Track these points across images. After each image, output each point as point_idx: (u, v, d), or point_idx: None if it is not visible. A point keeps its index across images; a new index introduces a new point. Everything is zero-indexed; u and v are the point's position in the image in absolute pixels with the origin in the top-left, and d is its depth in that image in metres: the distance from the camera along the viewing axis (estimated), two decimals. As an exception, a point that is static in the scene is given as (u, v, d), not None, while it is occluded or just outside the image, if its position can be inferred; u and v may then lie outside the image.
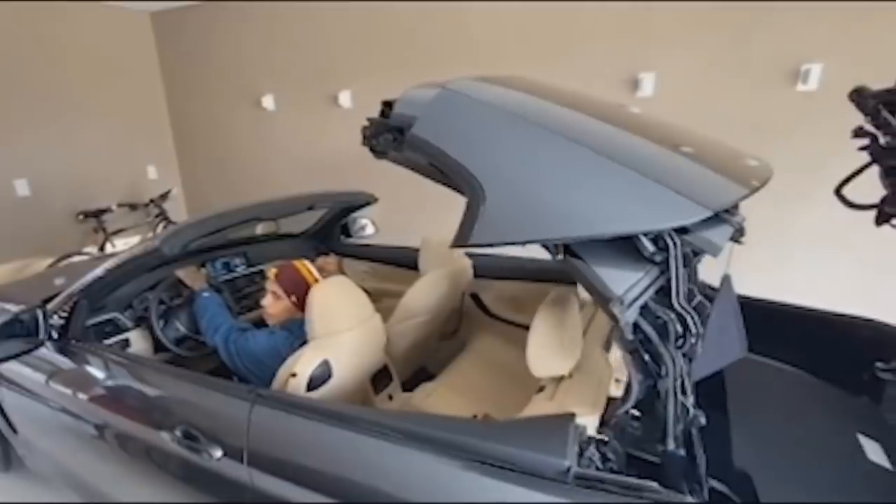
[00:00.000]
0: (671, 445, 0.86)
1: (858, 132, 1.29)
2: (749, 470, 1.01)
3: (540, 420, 0.91)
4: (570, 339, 1.08)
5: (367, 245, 2.60)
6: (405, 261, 2.25)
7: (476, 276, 2.13)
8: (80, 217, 3.87)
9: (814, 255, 2.35)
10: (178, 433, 1.15)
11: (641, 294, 0.82)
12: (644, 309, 0.83)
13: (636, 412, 1.01)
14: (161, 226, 4.19)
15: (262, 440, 1.07)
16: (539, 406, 1.03)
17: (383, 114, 1.06)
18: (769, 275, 2.26)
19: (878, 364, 1.32)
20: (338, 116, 3.60)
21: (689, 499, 0.73)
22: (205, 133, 4.42)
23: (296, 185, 3.71)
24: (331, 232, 2.56)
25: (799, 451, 1.07)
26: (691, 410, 0.87)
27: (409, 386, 1.79)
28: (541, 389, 1.12)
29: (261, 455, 1.06)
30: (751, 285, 1.50)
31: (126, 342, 1.76)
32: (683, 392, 0.87)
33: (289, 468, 1.04)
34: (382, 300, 2.18)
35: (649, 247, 0.79)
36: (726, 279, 1.07)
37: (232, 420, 1.11)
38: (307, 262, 1.63)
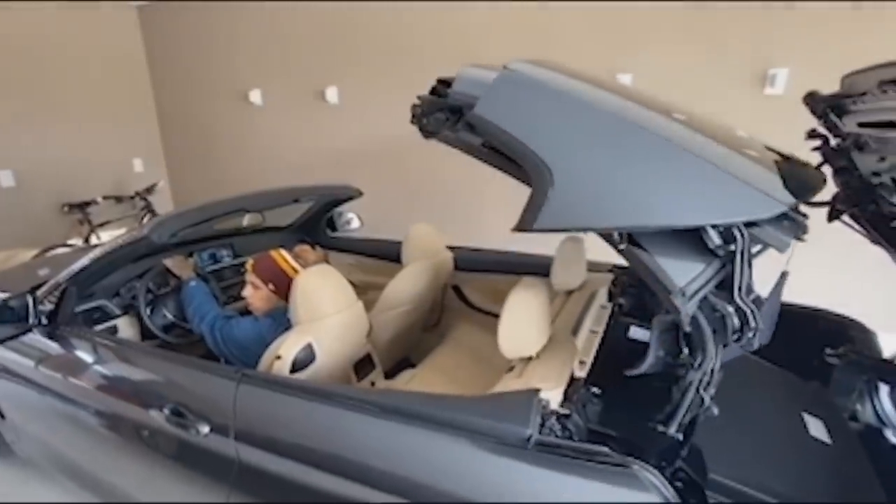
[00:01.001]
0: (673, 430, 0.89)
1: (811, 134, 1.38)
2: (700, 446, 1.10)
3: (507, 394, 0.99)
4: (539, 323, 1.16)
5: (353, 238, 2.66)
6: (390, 254, 2.32)
7: (457, 268, 2.21)
8: (66, 209, 3.86)
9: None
10: (166, 411, 1.20)
11: (703, 286, 0.81)
12: (702, 301, 0.83)
13: (596, 390, 1.10)
14: (146, 219, 4.19)
15: (248, 417, 1.13)
16: (507, 383, 1.10)
17: (435, 92, 1.05)
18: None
19: (827, 350, 1.42)
20: (324, 112, 3.64)
21: (637, 464, 0.81)
22: (191, 127, 4.42)
23: (282, 179, 3.75)
24: (316, 225, 2.61)
25: (748, 428, 1.16)
26: (706, 401, 0.88)
27: (391, 376, 1.86)
28: (510, 369, 1.19)
29: (246, 430, 1.12)
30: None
31: (114, 329, 1.81)
32: (707, 385, 0.88)
33: (273, 442, 1.10)
34: (368, 292, 2.24)
35: (716, 239, 0.78)
36: (784, 275, 1.09)
37: (219, 398, 1.17)
38: (283, 251, 1.67)
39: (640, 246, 0.83)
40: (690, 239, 0.80)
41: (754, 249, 0.84)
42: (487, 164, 1.00)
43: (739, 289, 0.81)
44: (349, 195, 2.34)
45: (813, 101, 1.26)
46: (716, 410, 0.89)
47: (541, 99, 0.91)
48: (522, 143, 0.85)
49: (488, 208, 3.25)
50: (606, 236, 0.85)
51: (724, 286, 0.84)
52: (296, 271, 1.59)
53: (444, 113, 0.99)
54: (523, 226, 0.83)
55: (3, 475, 2.04)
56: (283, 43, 3.67)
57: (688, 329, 0.82)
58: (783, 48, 2.29)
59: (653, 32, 2.53)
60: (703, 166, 0.79)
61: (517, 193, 2.96)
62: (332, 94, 3.53)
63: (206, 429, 1.15)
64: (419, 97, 1.07)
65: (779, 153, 1.08)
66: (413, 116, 1.06)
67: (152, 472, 1.38)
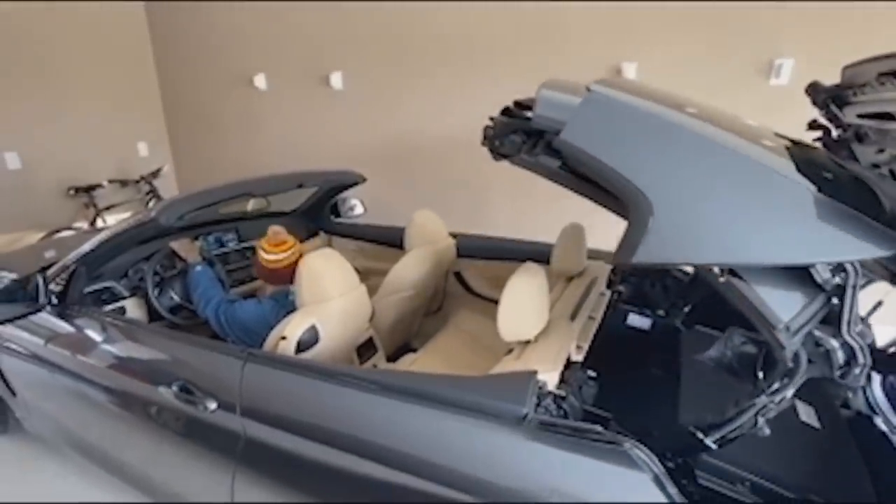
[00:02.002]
0: (711, 440, 0.86)
1: (812, 125, 1.39)
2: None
3: (505, 375, 1.02)
4: (537, 307, 1.19)
5: (356, 224, 2.69)
6: (392, 240, 2.34)
7: (459, 255, 2.23)
8: (71, 192, 3.89)
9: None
10: (175, 388, 1.24)
11: (808, 321, 0.77)
12: (805, 335, 0.78)
13: (592, 373, 1.13)
14: (152, 203, 4.22)
15: (254, 394, 1.17)
16: (506, 365, 1.13)
17: (509, 113, 1.01)
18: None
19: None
20: (329, 97, 3.64)
21: (628, 442, 0.84)
22: (196, 111, 4.42)
23: (286, 164, 3.77)
24: (320, 211, 2.64)
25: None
26: (759, 424, 0.85)
27: (393, 360, 1.89)
28: (509, 352, 1.22)
29: (252, 407, 1.16)
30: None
31: (122, 310, 1.85)
32: (769, 412, 0.86)
33: (278, 418, 1.14)
34: (370, 278, 2.27)
35: (825, 274, 0.74)
36: (878, 304, 1.06)
37: (226, 376, 1.20)
38: (263, 244, 1.67)
39: (741, 277, 0.78)
40: (795, 271, 0.77)
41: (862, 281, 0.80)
42: (568, 188, 0.94)
43: (849, 323, 0.76)
44: (353, 180, 2.36)
45: (814, 91, 1.26)
46: (767, 431, 0.84)
47: (633, 124, 0.86)
48: (618, 171, 0.81)
49: (492, 195, 3.26)
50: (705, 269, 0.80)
51: (830, 320, 0.78)
52: (275, 260, 1.63)
53: (520, 135, 0.95)
54: (622, 259, 0.78)
55: (15, 450, 2.10)
56: (288, 28, 3.65)
57: (790, 365, 0.77)
58: (789, 39, 2.27)
59: (658, 21, 2.51)
60: (816, 198, 0.74)
61: (519, 183, 2.99)
62: (336, 79, 3.53)
63: (213, 405, 1.19)
64: (492, 118, 1.01)
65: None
66: (485, 138, 1.01)
67: (161, 447, 1.43)
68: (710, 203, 0.77)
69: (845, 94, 1.16)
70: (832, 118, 1.28)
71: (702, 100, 1.15)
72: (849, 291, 0.75)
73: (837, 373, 0.78)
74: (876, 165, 1.14)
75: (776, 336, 0.74)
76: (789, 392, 0.80)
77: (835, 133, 1.32)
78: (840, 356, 0.77)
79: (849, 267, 0.74)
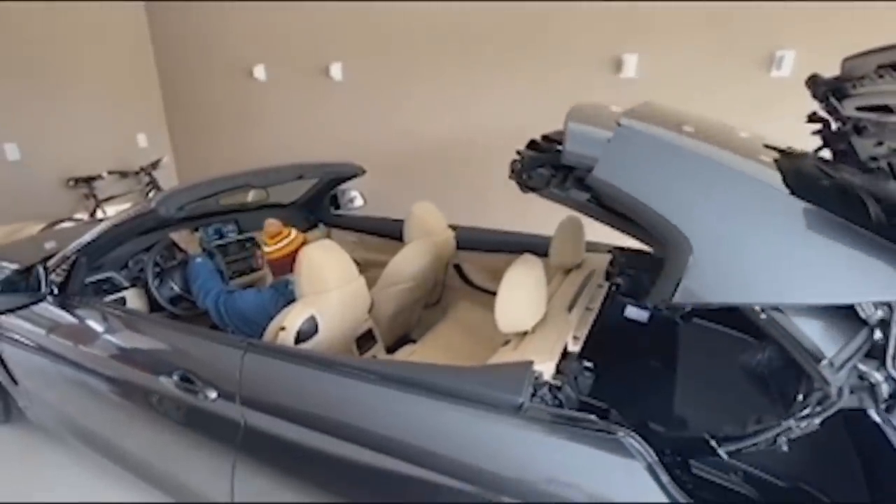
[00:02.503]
0: (723, 452, 0.85)
1: (812, 118, 1.39)
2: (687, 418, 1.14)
3: (502, 365, 1.03)
4: (535, 299, 1.19)
5: (356, 216, 2.69)
6: (392, 232, 2.35)
7: (458, 247, 2.24)
8: (71, 183, 3.89)
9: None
10: (175, 377, 1.26)
11: (853, 356, 0.75)
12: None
13: (589, 364, 1.14)
14: (151, 194, 4.22)
15: (253, 383, 1.18)
16: (503, 356, 1.14)
17: (534, 146, 1.00)
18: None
19: None
20: (329, 88, 3.63)
21: (622, 431, 0.85)
22: (195, 101, 4.41)
23: (285, 155, 3.75)
24: (320, 203, 2.64)
25: (733, 400, 1.20)
26: (779, 443, 0.84)
27: (392, 351, 1.91)
28: (506, 343, 1.23)
29: (252, 396, 1.17)
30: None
31: (123, 300, 1.86)
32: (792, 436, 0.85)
33: (277, 407, 1.15)
34: (370, 270, 2.28)
35: (870, 310, 0.73)
36: None
37: (226, 366, 1.21)
38: (262, 241, 1.72)
39: (781, 311, 0.77)
40: (838, 306, 0.76)
41: None
42: (598, 220, 0.91)
43: (893, 357, 0.74)
44: (353, 172, 2.36)
45: (814, 84, 1.26)
46: (785, 448, 0.83)
47: (667, 160, 0.84)
48: (654, 210, 0.79)
49: (491, 188, 3.26)
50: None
51: (874, 353, 0.76)
52: (271, 251, 1.66)
53: (548, 169, 0.93)
54: (660, 300, 0.78)
55: (17, 439, 2.12)
56: (288, 19, 3.63)
57: (835, 398, 0.75)
58: (791, 30, 2.26)
59: (659, 12, 2.50)
60: (861, 234, 0.73)
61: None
62: (336, 70, 3.51)
63: (213, 394, 1.20)
64: (519, 152, 1.00)
65: None
66: (512, 171, 1.00)
67: (162, 435, 1.44)
68: (751, 241, 0.76)
69: (844, 87, 1.16)
70: (832, 111, 1.28)
71: (722, 117, 1.14)
72: (894, 327, 0.73)
73: (882, 406, 0.77)
74: (874, 158, 1.14)
75: (820, 371, 0.73)
76: (819, 420, 0.79)
77: (834, 126, 1.32)
78: (885, 389, 0.76)
79: (893, 301, 0.73)
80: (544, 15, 2.77)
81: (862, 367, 0.76)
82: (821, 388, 0.76)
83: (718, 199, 0.80)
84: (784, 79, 2.31)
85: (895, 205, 0.83)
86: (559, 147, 0.92)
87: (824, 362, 0.73)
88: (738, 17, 2.35)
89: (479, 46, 3.01)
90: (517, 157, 0.99)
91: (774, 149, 1.11)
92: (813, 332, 0.75)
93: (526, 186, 0.97)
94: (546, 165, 0.94)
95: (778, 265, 0.74)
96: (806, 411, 0.79)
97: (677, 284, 0.76)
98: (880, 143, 1.11)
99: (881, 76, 0.96)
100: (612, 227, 0.90)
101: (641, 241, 0.82)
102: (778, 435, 0.82)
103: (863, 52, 1.02)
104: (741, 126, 1.29)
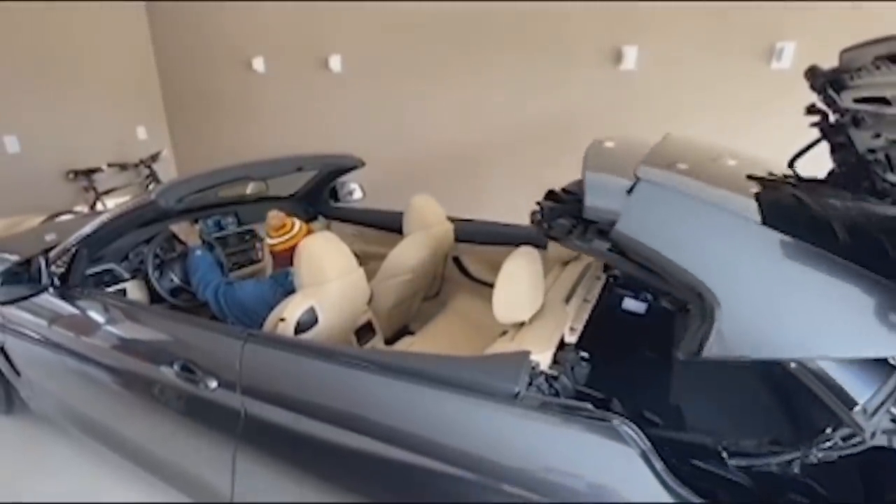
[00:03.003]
0: (733, 463, 0.85)
1: (811, 110, 1.39)
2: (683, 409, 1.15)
3: (499, 355, 1.05)
4: (532, 290, 1.20)
5: (355, 209, 2.69)
6: (391, 224, 2.35)
7: (457, 240, 2.24)
8: (71, 176, 3.89)
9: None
10: (176, 367, 1.27)
11: (885, 401, 0.75)
12: None
13: (585, 354, 1.14)
14: (151, 187, 4.22)
15: (253, 373, 1.19)
16: (500, 346, 1.16)
17: (553, 197, 1.01)
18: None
19: None
20: (328, 80, 3.62)
21: (616, 419, 0.86)
22: (195, 94, 4.40)
23: (285, 148, 3.74)
24: (319, 195, 2.64)
25: (728, 391, 1.21)
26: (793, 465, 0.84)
27: (391, 343, 1.92)
28: (504, 334, 1.25)
29: (252, 385, 1.19)
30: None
31: (123, 292, 1.87)
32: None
33: (277, 396, 1.17)
34: (369, 262, 2.29)
35: None
36: None
37: (226, 356, 1.23)
38: (267, 233, 1.72)
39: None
40: None
41: None
42: (621, 270, 0.90)
43: None
44: (352, 164, 2.36)
45: (812, 76, 1.25)
46: (797, 470, 0.83)
47: (691, 215, 0.84)
48: (680, 266, 0.79)
49: (490, 180, 3.26)
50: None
51: None
52: (275, 244, 1.67)
53: (568, 219, 0.93)
54: (688, 354, 0.76)
55: (20, 429, 2.14)
56: (287, 11, 3.61)
57: (867, 441, 0.74)
58: (791, 21, 2.25)
59: (659, 3, 2.48)
60: (892, 289, 0.72)
61: (518, 167, 2.98)
62: (335, 62, 3.50)
63: (214, 384, 1.21)
64: (539, 203, 1.01)
65: None
66: (532, 222, 1.01)
67: (163, 425, 1.46)
68: (780, 295, 0.75)
69: (842, 78, 1.15)
70: (830, 103, 1.28)
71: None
72: None
73: None
74: (872, 150, 1.14)
75: (854, 418, 0.72)
76: (839, 454, 0.78)
77: (832, 118, 1.32)
78: None
79: None
80: (544, 7, 2.76)
81: (895, 409, 0.75)
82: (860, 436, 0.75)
83: (744, 252, 0.80)
84: (784, 71, 2.30)
85: (876, 226, 0.83)
86: (578, 198, 0.92)
87: (857, 409, 0.72)
88: (738, 8, 2.34)
89: (479, 38, 3.00)
90: (536, 207, 1.00)
91: (787, 180, 1.09)
92: (844, 379, 0.74)
93: (549, 237, 0.97)
94: (566, 215, 0.95)
95: (808, 319, 0.74)
96: (829, 444, 0.78)
97: (705, 339, 0.75)
98: (878, 136, 1.11)
99: (878, 67, 0.96)
100: (636, 277, 0.88)
101: (666, 292, 0.81)
102: (794, 460, 0.82)
103: (860, 43, 1.02)
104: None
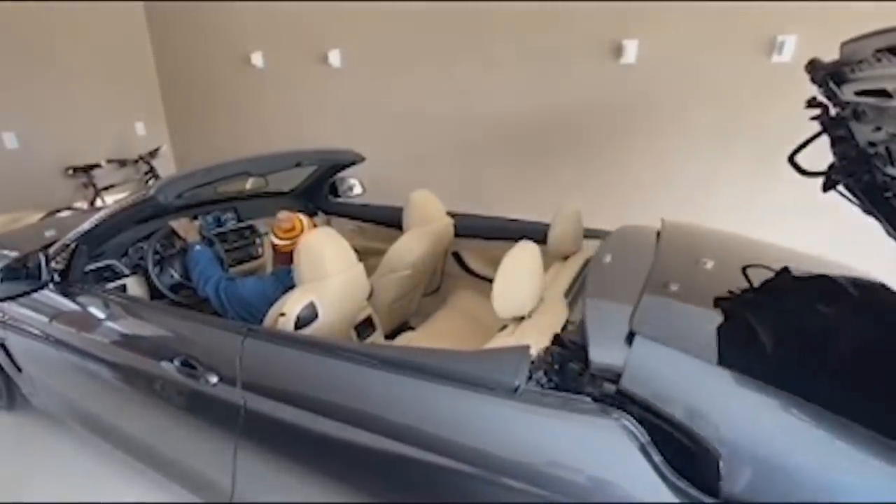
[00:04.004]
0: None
1: (811, 102, 1.38)
2: None
3: (499, 349, 1.04)
4: (531, 284, 1.20)
5: (354, 204, 2.69)
6: (391, 220, 2.35)
7: (457, 235, 2.24)
8: (70, 172, 3.89)
9: (787, 220, 2.48)
10: (177, 363, 1.27)
11: None
12: None
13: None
14: (150, 183, 4.22)
15: (254, 368, 1.19)
16: (500, 341, 1.16)
17: (559, 341, 1.06)
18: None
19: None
20: (327, 75, 3.60)
21: (616, 412, 0.87)
22: (193, 90, 4.38)
23: (284, 143, 3.73)
24: (319, 191, 2.64)
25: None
26: None
27: (391, 338, 1.92)
28: (503, 328, 1.25)
29: (252, 381, 1.19)
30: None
31: (123, 288, 1.87)
32: None
33: (277, 391, 1.17)
34: (369, 258, 2.29)
35: None
36: None
37: (226, 351, 1.23)
38: (273, 231, 1.70)
39: None
40: None
41: None
42: (630, 413, 0.89)
43: None
44: (352, 160, 2.35)
45: (813, 68, 1.24)
46: None
47: (687, 376, 0.87)
48: (687, 427, 0.82)
49: (491, 174, 3.26)
50: None
51: None
52: (282, 245, 1.65)
53: (577, 364, 0.97)
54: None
55: (21, 425, 2.15)
56: (286, 6, 3.59)
57: None
58: (792, 14, 2.23)
59: (660, -4, 2.47)
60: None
61: (519, 161, 2.96)
62: (334, 56, 3.49)
63: (214, 379, 1.22)
64: (547, 349, 1.05)
65: None
66: (536, 369, 1.02)
67: (164, 420, 1.46)
68: (778, 450, 0.77)
69: (843, 71, 1.15)
70: (830, 96, 1.27)
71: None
72: None
73: None
74: (872, 143, 1.14)
75: None
76: None
77: (833, 111, 1.31)
78: None
79: None
80: (544, 2, 2.75)
81: None
82: None
83: (742, 409, 0.82)
84: (785, 64, 2.29)
85: None
86: (583, 346, 0.96)
87: None
88: (739, 1, 2.32)
89: (479, 34, 2.99)
90: (543, 353, 1.03)
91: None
92: None
93: (557, 387, 0.97)
94: (575, 361, 0.98)
95: (808, 474, 0.75)
96: None
97: (714, 487, 0.78)
98: (878, 129, 1.11)
99: (879, 60, 0.96)
100: (650, 424, 0.88)
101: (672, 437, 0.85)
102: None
103: (861, 35, 1.01)
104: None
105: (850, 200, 1.38)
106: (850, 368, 0.96)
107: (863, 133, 1.16)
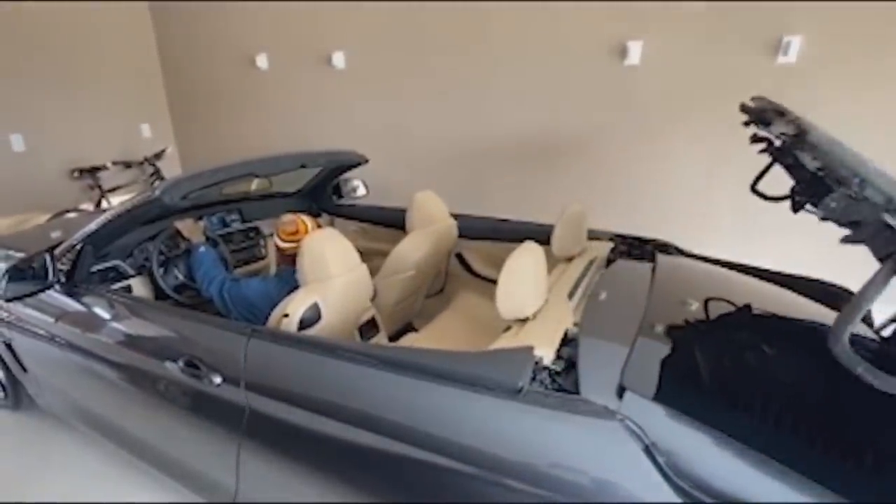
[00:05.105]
0: None
1: (755, 139, 1.39)
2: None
3: (503, 350, 1.04)
4: (535, 286, 1.20)
5: (358, 206, 2.69)
6: (394, 221, 2.35)
7: (461, 236, 2.24)
8: (76, 174, 3.91)
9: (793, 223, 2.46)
10: (181, 363, 1.28)
11: None
12: None
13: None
14: (155, 184, 4.23)
15: (258, 368, 1.20)
16: (504, 342, 1.15)
17: (565, 343, 1.10)
18: (739, 248, 2.38)
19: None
20: (331, 77, 3.62)
21: (619, 414, 0.86)
22: (198, 92, 4.41)
23: (288, 144, 3.75)
24: (323, 192, 2.64)
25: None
26: None
27: (395, 340, 1.92)
28: (507, 329, 1.24)
29: (256, 381, 1.19)
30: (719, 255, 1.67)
31: (128, 288, 1.88)
32: None
33: (281, 392, 1.17)
34: (373, 259, 2.29)
35: None
36: None
37: (230, 352, 1.23)
38: (277, 233, 1.70)
39: None
40: None
41: None
42: None
43: None
44: (356, 161, 2.36)
45: (745, 111, 1.30)
46: None
47: (679, 433, 0.87)
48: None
49: (494, 175, 3.26)
50: None
51: None
52: (287, 248, 1.65)
53: None
54: None
55: (27, 426, 2.16)
56: (290, 7, 3.61)
57: None
58: (798, 15, 2.22)
59: (664, -2, 2.47)
60: None
61: (522, 162, 2.96)
62: (338, 58, 3.50)
63: (218, 379, 1.22)
64: (555, 352, 1.07)
65: None
66: (539, 370, 1.03)
67: (168, 420, 1.47)
68: None
69: (766, 116, 1.18)
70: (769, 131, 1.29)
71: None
72: None
73: None
74: (821, 169, 1.13)
75: None
76: None
77: (777, 142, 1.33)
78: None
79: None
80: (548, 3, 2.75)
81: None
82: None
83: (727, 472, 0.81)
84: (791, 65, 2.28)
85: None
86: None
87: None
88: (744, 1, 2.32)
89: (483, 35, 2.99)
90: (553, 355, 1.06)
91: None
92: None
93: (561, 388, 0.98)
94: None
95: None
96: None
97: None
98: (815, 157, 1.10)
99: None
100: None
101: None
102: None
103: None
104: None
105: (819, 218, 1.36)
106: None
107: (808, 160, 1.15)
